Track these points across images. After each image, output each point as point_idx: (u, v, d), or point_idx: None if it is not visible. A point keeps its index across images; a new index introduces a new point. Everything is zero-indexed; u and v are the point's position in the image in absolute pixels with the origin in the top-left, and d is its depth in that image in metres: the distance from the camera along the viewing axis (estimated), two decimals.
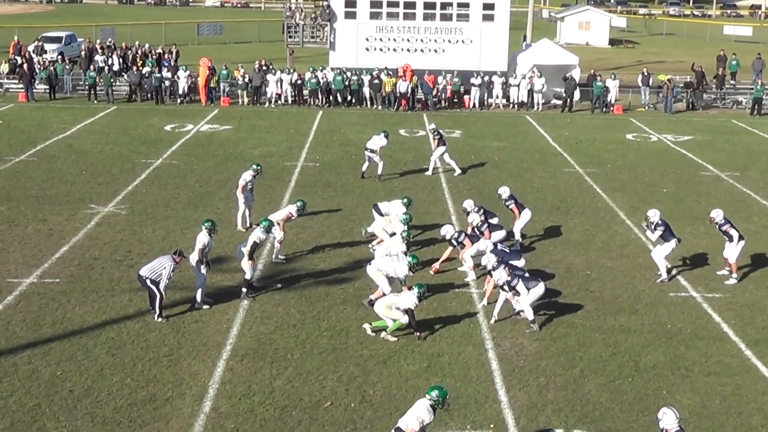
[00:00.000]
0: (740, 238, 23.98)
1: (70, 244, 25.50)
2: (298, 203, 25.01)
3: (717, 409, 17.25)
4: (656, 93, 53.39)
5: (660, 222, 23.56)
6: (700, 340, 20.27)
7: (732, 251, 23.95)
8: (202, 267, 21.47)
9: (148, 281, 20.48)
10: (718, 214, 24.27)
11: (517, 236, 26.11)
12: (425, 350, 19.38)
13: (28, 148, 38.04)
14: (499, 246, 23.40)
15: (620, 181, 34.55)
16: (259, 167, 28.22)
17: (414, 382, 17.90)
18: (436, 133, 35.40)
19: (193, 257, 21.53)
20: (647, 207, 30.24)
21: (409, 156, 38.28)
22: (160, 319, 20.53)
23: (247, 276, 21.95)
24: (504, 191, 26.32)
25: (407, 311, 19.63)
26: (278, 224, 24.20)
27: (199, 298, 21.44)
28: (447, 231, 23.89)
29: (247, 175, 27.65)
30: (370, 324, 20.19)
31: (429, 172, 34.82)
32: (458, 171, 34.75)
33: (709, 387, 18.08)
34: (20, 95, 51.46)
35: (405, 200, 26.01)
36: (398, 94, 49.91)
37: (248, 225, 27.32)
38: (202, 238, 21.55)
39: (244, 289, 21.94)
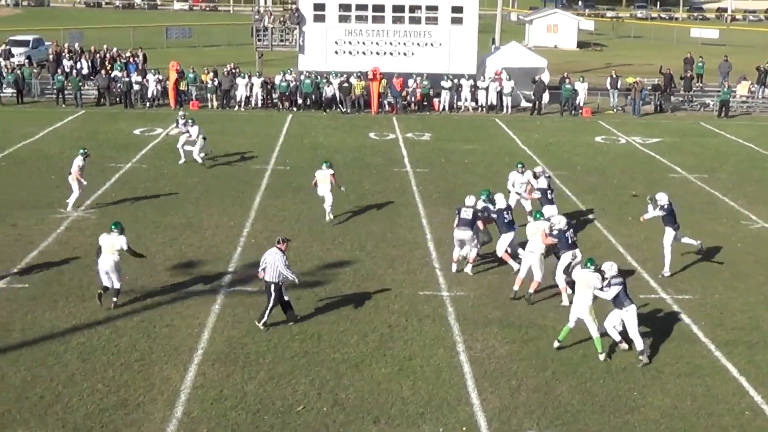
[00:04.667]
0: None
1: (39, 249, 25.35)
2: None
3: (688, 410, 17.35)
4: (625, 96, 53.64)
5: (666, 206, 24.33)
6: (670, 342, 20.38)
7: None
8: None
9: (272, 287, 20.36)
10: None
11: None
12: (397, 353, 19.39)
13: None
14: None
15: (590, 184, 34.69)
16: (85, 150, 30.42)
17: (386, 385, 17.90)
18: None
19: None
20: (616, 209, 30.54)
21: (379, 159, 38.28)
22: (262, 326, 20.47)
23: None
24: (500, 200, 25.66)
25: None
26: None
27: None
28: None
29: (78, 161, 29.47)
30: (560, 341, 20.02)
31: None
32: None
33: (679, 388, 18.19)
34: None
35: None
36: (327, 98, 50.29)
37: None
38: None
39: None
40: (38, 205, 29.89)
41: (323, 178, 28.91)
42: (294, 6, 54.58)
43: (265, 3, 59.29)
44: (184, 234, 27.20)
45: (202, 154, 36.51)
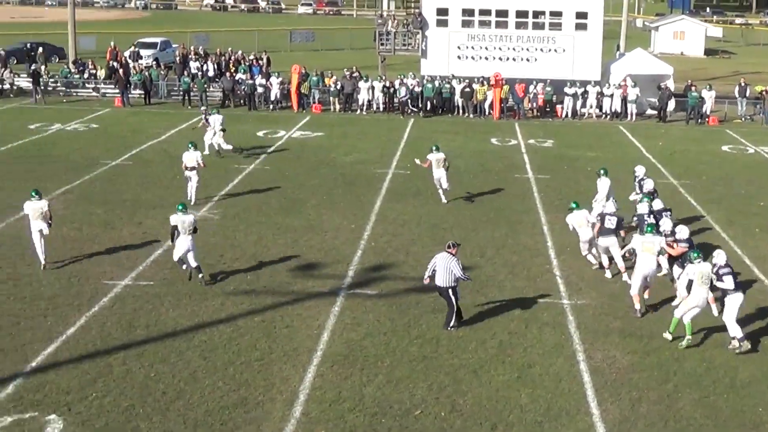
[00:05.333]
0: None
1: (164, 248, 25.81)
2: None
3: None
4: (753, 104, 52.48)
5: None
6: None
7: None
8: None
9: (450, 291, 20.52)
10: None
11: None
12: (516, 361, 19.28)
13: (124, 153, 38.68)
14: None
15: (716, 194, 34.04)
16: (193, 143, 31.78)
17: (504, 392, 17.81)
18: None
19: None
20: (743, 220, 29.88)
21: (501, 165, 38.14)
22: (452, 329, 20.67)
23: None
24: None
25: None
26: None
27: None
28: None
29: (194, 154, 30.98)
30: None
31: None
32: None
33: None
34: (116, 100, 52.42)
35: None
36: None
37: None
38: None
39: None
40: (163, 204, 30.46)
41: (438, 161, 31.03)
42: (417, 10, 54.71)
43: (389, 7, 59.65)
44: (305, 236, 27.47)
45: (229, 147, 38.00)
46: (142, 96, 52.94)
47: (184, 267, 23.46)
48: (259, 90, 51.77)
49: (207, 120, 38.46)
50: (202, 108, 43.10)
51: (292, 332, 20.43)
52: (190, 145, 31.64)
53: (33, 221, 24.10)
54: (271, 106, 51.51)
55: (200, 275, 23.21)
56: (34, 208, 24.10)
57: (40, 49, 62.83)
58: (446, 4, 53.19)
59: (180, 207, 23.32)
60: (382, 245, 26.60)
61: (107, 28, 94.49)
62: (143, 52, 64.58)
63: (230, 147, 38.04)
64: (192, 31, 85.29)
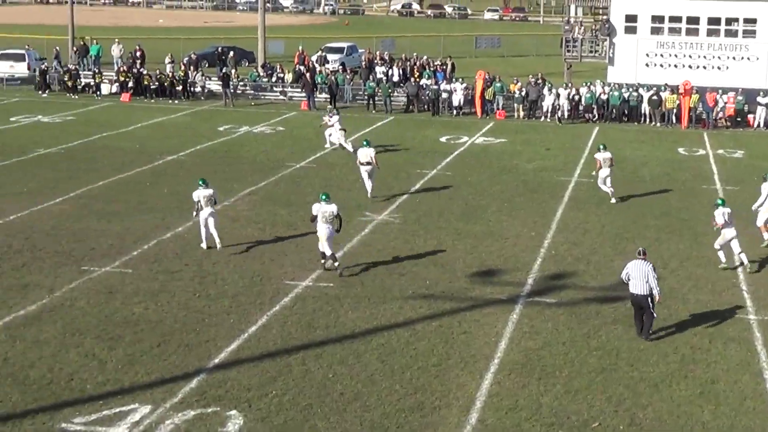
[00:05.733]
0: None
1: (344, 250, 26.15)
2: None
3: None
4: None
5: None
6: None
7: None
8: None
9: (648, 299, 20.29)
10: None
11: None
12: (698, 376, 18.79)
13: (308, 155, 39.38)
14: None
15: None
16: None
17: (686, 408, 17.38)
18: None
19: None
20: None
21: (687, 175, 37.29)
22: (649, 337, 20.51)
23: None
24: None
25: None
26: None
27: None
28: None
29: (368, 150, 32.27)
30: None
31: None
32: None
33: None
34: (302, 103, 53.45)
35: None
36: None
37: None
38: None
39: None
40: (346, 207, 30.75)
41: (605, 160, 31.97)
42: (605, 17, 54.05)
43: (576, 14, 58.91)
44: (484, 242, 27.42)
45: (349, 146, 39.62)
46: (328, 100, 53.78)
47: (325, 261, 24.54)
48: (443, 95, 51.98)
49: (329, 119, 40.62)
50: (329, 108, 45.00)
51: (469, 338, 20.41)
52: (365, 142, 32.63)
53: (204, 208, 25.79)
54: (455, 112, 51.64)
55: (336, 263, 24.25)
56: (204, 195, 25.81)
57: (231, 53, 64.46)
58: (635, 10, 52.37)
59: (323, 197, 24.42)
60: (563, 254, 26.34)
61: (295, 32, 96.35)
62: (330, 57, 65.72)
63: (351, 148, 39.01)
64: (378, 36, 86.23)
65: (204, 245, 26.21)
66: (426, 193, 33.45)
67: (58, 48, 64.59)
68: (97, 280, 23.47)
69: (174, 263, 24.91)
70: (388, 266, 24.90)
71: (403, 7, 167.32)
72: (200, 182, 26.35)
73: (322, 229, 24.16)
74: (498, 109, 51.61)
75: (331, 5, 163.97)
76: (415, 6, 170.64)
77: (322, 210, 24.14)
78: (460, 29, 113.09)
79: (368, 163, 32.04)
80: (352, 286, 23.40)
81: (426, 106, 52.60)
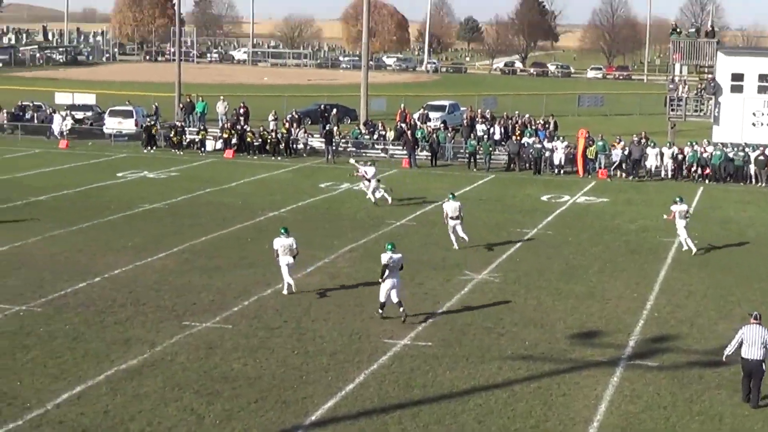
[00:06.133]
0: None
1: (444, 309, 26.12)
2: None
3: None
4: None
5: None
6: None
7: None
8: None
9: (762, 364, 19.87)
10: None
11: None
12: None
13: (409, 213, 39.47)
14: None
15: None
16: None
17: None
18: None
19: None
20: None
21: None
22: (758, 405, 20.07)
23: None
24: None
25: None
26: None
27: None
28: None
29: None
30: None
31: None
32: None
33: None
34: (403, 161, 53.69)
35: None
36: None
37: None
38: None
39: None
40: (445, 265, 30.87)
41: (680, 213, 33.00)
42: (711, 76, 53.53)
43: (681, 72, 58.47)
44: (585, 303, 27.16)
45: (378, 195, 41.14)
46: (429, 158, 53.96)
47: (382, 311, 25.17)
48: (545, 154, 51.84)
49: (363, 172, 41.52)
50: (368, 161, 45.14)
51: (568, 401, 20.18)
52: (451, 196, 33.17)
53: (282, 256, 26.90)
54: (556, 170, 51.43)
55: (401, 309, 24.80)
56: (283, 244, 26.87)
57: (334, 110, 65.22)
58: (742, 69, 51.85)
59: (389, 247, 25.09)
60: (665, 316, 25.97)
61: (398, 90, 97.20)
62: (432, 115, 66.06)
63: (389, 199, 40.95)
64: (480, 94, 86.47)
65: (285, 291, 27.19)
66: (526, 252, 33.30)
67: (157, 104, 66.06)
68: (198, 335, 23.76)
69: (274, 319, 25.11)
70: (487, 326, 24.80)
71: (505, 65, 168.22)
72: (282, 230, 27.40)
73: (390, 279, 24.85)
74: (600, 168, 51.27)
75: (434, 63, 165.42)
76: (518, 64, 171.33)
77: (388, 256, 24.83)
78: (562, 87, 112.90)
79: (457, 218, 32.65)
80: (450, 346, 23.32)
81: (527, 165, 52.49)
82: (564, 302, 27.20)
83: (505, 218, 38.85)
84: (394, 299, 24.85)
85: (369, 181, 41.21)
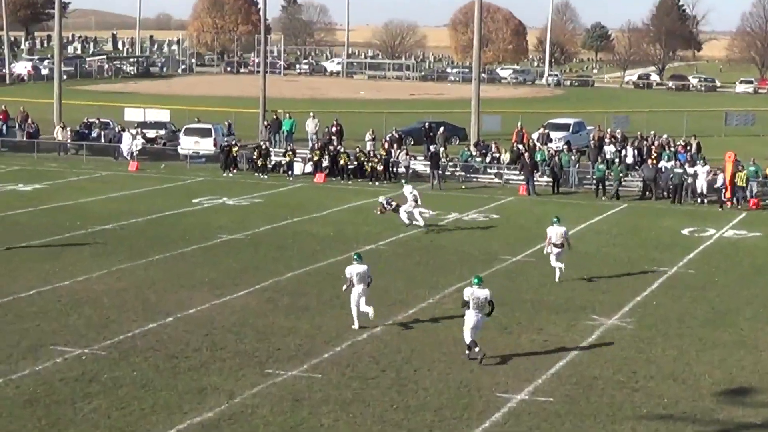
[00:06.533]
0: None
1: (568, 359, 25.83)
2: None
3: None
4: None
5: None
6: None
7: None
8: None
9: None
10: None
11: None
12: None
13: (526, 248, 39.20)
14: None
15: None
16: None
17: None
18: None
19: None
20: None
21: None
22: None
23: None
24: None
25: None
26: None
27: None
28: None
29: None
30: None
31: None
32: None
33: None
34: (521, 188, 53.43)
35: None
36: None
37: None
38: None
39: None
40: (569, 308, 30.56)
41: None
42: None
43: None
44: (735, 354, 26.65)
45: (417, 216, 41.95)
46: (550, 184, 53.64)
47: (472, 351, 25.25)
48: (688, 180, 51.14)
49: (391, 205, 42.38)
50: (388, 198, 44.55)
51: None
52: (555, 219, 33.73)
53: (356, 285, 27.84)
54: (699, 200, 50.73)
55: (476, 348, 25.24)
56: (358, 272, 27.83)
57: (440, 129, 65.18)
58: None
59: (476, 281, 25.62)
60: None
61: (515, 106, 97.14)
62: (553, 135, 65.69)
63: (428, 214, 42.63)
64: (610, 111, 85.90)
65: (356, 326, 27.71)
66: (664, 294, 32.85)
67: (230, 120, 66.76)
68: (282, 385, 23.77)
69: (370, 368, 25.04)
70: (618, 379, 24.43)
71: (639, 78, 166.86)
72: (355, 257, 28.17)
73: (471, 317, 25.20)
74: (752, 197, 50.44)
75: (556, 76, 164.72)
76: (654, 77, 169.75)
77: (476, 295, 25.15)
78: (706, 103, 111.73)
79: (561, 245, 33.13)
80: (575, 402, 23.01)
81: (665, 193, 51.86)
82: (709, 352, 26.75)
83: (639, 254, 38.41)
84: (468, 339, 25.29)
85: (397, 208, 42.16)
